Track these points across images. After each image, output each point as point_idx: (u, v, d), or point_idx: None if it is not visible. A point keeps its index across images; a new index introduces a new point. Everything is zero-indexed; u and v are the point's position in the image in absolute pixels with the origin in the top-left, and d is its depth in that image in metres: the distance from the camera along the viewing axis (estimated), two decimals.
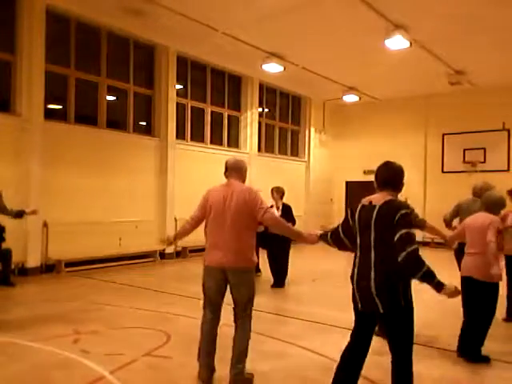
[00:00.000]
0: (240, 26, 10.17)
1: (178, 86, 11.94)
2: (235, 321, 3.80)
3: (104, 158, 10.14)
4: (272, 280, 8.19)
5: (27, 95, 8.74)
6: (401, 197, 3.28)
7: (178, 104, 11.81)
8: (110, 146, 10.29)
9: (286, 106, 16.22)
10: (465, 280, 4.64)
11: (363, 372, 3.28)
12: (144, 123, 11.64)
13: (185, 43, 11.29)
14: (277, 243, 7.87)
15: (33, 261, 8.80)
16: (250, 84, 14.00)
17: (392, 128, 16.04)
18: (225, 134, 13.60)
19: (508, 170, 14.25)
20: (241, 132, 14.09)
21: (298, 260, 9.58)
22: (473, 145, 14.74)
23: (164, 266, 10.61)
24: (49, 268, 9.05)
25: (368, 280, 3.04)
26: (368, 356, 3.24)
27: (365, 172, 15.59)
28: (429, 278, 2.87)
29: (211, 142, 13.07)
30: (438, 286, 2.87)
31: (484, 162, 14.56)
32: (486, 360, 4.46)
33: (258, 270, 8.92)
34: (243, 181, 3.94)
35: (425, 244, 13.76)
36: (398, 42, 10.09)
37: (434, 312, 6.45)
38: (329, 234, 3.52)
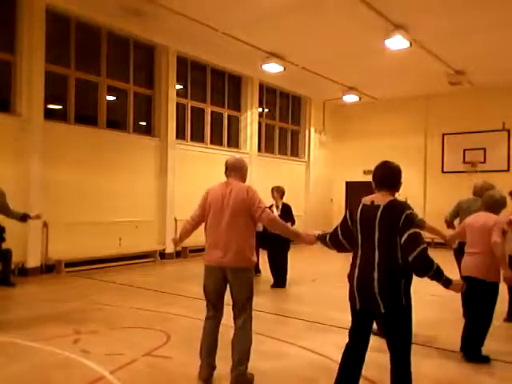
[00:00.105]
0: (240, 26, 10.18)
1: (178, 86, 11.94)
2: (235, 320, 3.80)
3: (104, 158, 10.14)
4: (272, 280, 8.20)
5: (27, 95, 8.74)
6: (398, 196, 3.28)
7: (178, 104, 11.80)
8: (110, 146, 10.29)
9: (286, 106, 16.22)
10: (465, 280, 4.64)
11: (363, 372, 3.28)
12: (144, 123, 11.64)
13: (185, 43, 11.30)
14: (276, 243, 7.88)
15: (33, 261, 8.80)
16: (250, 84, 14.00)
17: (392, 128, 16.04)
18: (225, 134, 13.60)
19: (508, 170, 14.26)
20: (241, 132, 14.09)
21: (298, 260, 9.58)
22: (473, 145, 14.74)
23: (164, 266, 10.62)
24: (49, 268, 9.04)
25: (371, 280, 3.05)
26: (367, 355, 3.25)
27: (365, 172, 15.59)
28: (438, 275, 2.97)
29: (211, 142, 13.07)
30: (447, 283, 3.00)
31: (484, 162, 14.57)
32: (486, 360, 4.47)
33: (258, 270, 8.92)
34: (243, 180, 3.93)
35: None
36: (397, 42, 10.09)
37: (434, 312, 6.46)
38: (327, 236, 3.49)
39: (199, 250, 8.19)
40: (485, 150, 14.64)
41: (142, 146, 11.07)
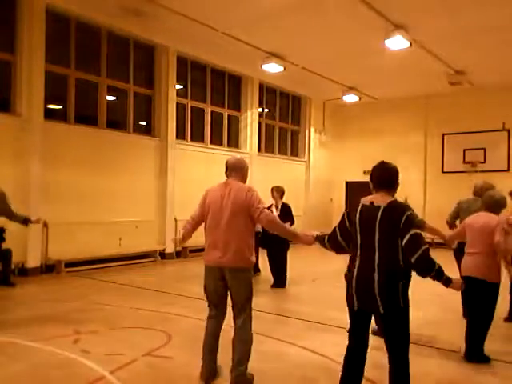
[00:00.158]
0: (240, 26, 10.18)
1: (178, 86, 11.94)
2: (234, 320, 3.80)
3: (104, 158, 10.14)
4: (272, 280, 8.20)
5: (27, 95, 8.74)
6: (399, 197, 3.28)
7: (178, 104, 11.80)
8: (110, 146, 10.29)
9: (286, 106, 16.22)
10: (465, 280, 4.64)
11: (369, 375, 3.28)
12: (144, 123, 11.64)
13: (185, 43, 11.29)
14: (276, 243, 7.87)
15: (33, 261, 8.80)
16: (250, 84, 14.00)
17: (392, 128, 16.05)
18: (225, 134, 13.60)
19: (508, 170, 14.26)
20: (241, 132, 14.09)
21: (298, 260, 9.58)
22: (473, 145, 14.74)
23: (164, 266, 10.62)
24: (49, 268, 9.04)
25: (371, 281, 3.05)
26: (367, 355, 3.25)
27: (365, 172, 15.56)
28: (439, 275, 3.05)
29: (211, 142, 13.07)
30: (447, 282, 3.09)
31: (484, 162, 14.56)
32: (486, 360, 4.47)
33: (257, 269, 8.92)
34: (243, 180, 3.92)
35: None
36: (397, 42, 10.09)
37: (434, 312, 6.46)
38: (326, 237, 3.49)
39: (199, 250, 8.18)
40: (485, 150, 14.64)
41: (142, 146, 11.07)
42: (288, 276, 8.27)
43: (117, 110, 11.08)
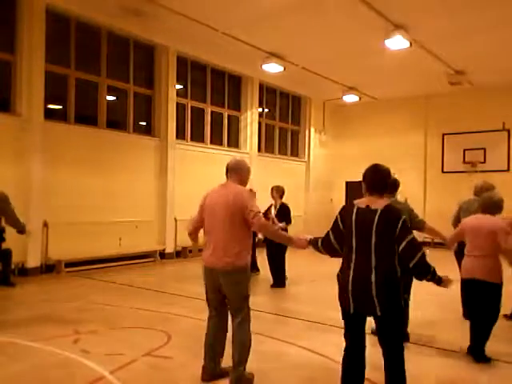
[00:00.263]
0: (240, 26, 10.18)
1: (178, 86, 11.94)
2: (232, 321, 3.80)
3: (104, 157, 10.14)
4: (271, 280, 8.19)
5: (27, 95, 8.74)
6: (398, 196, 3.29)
7: (178, 104, 11.80)
8: (110, 146, 10.29)
9: (286, 106, 16.22)
10: (469, 282, 4.62)
11: (369, 376, 3.29)
12: (144, 123, 11.64)
13: (185, 43, 11.29)
14: (275, 243, 7.85)
15: (33, 261, 8.79)
16: (250, 84, 14.00)
17: (392, 128, 16.04)
18: (225, 134, 13.60)
19: (508, 170, 14.26)
20: (241, 132, 14.09)
21: (298, 260, 9.58)
22: (473, 145, 14.73)
23: (164, 266, 10.61)
24: (49, 268, 9.04)
25: (368, 283, 3.07)
26: (368, 356, 3.26)
27: None
28: (433, 276, 3.18)
29: (211, 142, 13.07)
30: (439, 281, 3.23)
31: (484, 162, 14.56)
32: (487, 360, 4.47)
33: (256, 269, 8.93)
34: (242, 182, 3.89)
35: (424, 244, 13.76)
36: (398, 42, 10.09)
37: (434, 312, 6.46)
38: (319, 240, 3.48)
39: (199, 250, 8.20)
40: (485, 150, 14.63)
41: (142, 146, 11.07)
42: (287, 276, 8.28)
43: (117, 110, 11.08)
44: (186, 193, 11.26)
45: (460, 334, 4.80)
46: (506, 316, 5.85)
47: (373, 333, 3.76)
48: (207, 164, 12.08)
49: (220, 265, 3.68)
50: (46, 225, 9.00)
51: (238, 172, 3.89)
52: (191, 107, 12.54)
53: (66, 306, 6.45)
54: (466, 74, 12.92)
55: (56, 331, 5.19)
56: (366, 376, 3.27)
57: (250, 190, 4.99)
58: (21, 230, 7.14)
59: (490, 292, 4.52)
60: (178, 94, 11.82)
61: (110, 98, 10.79)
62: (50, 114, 9.27)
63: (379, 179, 3.26)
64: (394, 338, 3.18)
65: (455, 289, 5.93)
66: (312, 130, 16.72)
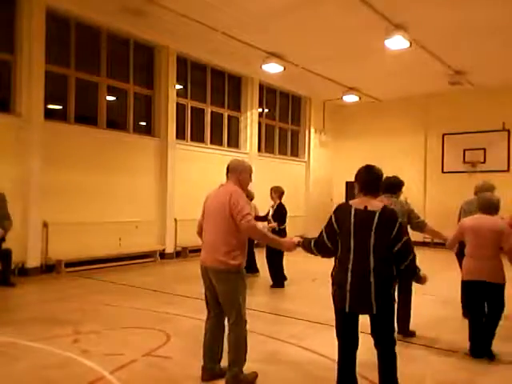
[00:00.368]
0: (240, 26, 10.17)
1: (178, 86, 11.94)
2: (228, 321, 3.80)
3: (104, 157, 10.14)
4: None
5: (27, 95, 8.74)
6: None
7: (178, 104, 11.80)
8: (110, 146, 10.29)
9: (286, 106, 16.21)
10: (475, 284, 4.61)
11: (363, 372, 3.30)
12: (144, 123, 11.63)
13: (185, 43, 11.29)
14: None
15: (33, 261, 8.79)
16: (250, 84, 14.00)
17: (392, 128, 16.03)
18: (225, 134, 13.60)
19: (508, 170, 14.25)
20: (241, 132, 14.09)
21: (298, 260, 9.57)
22: (473, 145, 14.72)
23: (164, 266, 10.61)
24: (49, 268, 9.04)
25: (367, 284, 3.13)
26: (366, 356, 3.28)
27: None
28: (417, 276, 3.42)
29: (211, 142, 13.07)
30: (419, 279, 3.45)
31: (484, 162, 14.55)
32: (492, 357, 4.53)
33: (256, 270, 8.92)
34: (239, 182, 3.86)
35: (425, 244, 13.77)
36: (398, 42, 10.07)
37: (434, 312, 6.46)
38: (312, 241, 3.48)
39: (199, 250, 8.21)
40: (485, 150, 14.62)
41: (142, 146, 11.07)
42: (287, 276, 8.27)
43: (117, 110, 11.08)
44: (186, 193, 11.27)
45: (460, 333, 4.80)
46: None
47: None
48: (207, 164, 12.08)
49: (211, 263, 3.71)
50: (45, 225, 9.00)
51: (233, 172, 3.88)
52: (191, 107, 12.54)
53: (65, 306, 6.45)
54: (465, 74, 12.91)
55: (56, 331, 5.19)
56: (364, 375, 3.30)
57: (248, 195, 4.98)
58: (4, 228, 7.38)
59: (497, 292, 4.56)
60: (178, 94, 11.82)
61: (110, 98, 10.78)
62: (49, 114, 9.26)
63: (373, 180, 3.32)
64: (389, 334, 3.29)
65: (455, 289, 5.95)
66: (312, 130, 16.72)
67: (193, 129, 12.60)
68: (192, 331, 5.05)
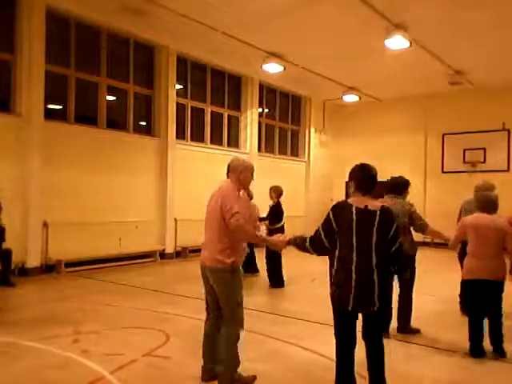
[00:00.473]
0: (240, 26, 10.17)
1: (178, 86, 11.94)
2: (222, 320, 3.77)
3: (104, 157, 10.14)
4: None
5: (27, 95, 8.74)
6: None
7: (178, 104, 11.80)
8: (110, 146, 10.29)
9: (286, 106, 16.21)
10: (478, 283, 4.59)
11: (363, 372, 3.30)
12: (144, 123, 11.63)
13: (185, 43, 11.28)
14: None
15: (33, 261, 8.79)
16: (250, 84, 14.00)
17: (392, 128, 16.03)
18: (225, 134, 13.60)
19: (508, 170, 14.25)
20: (241, 132, 14.08)
21: (297, 260, 9.57)
22: (473, 145, 14.72)
23: (164, 266, 10.61)
24: (49, 268, 9.04)
25: (372, 282, 3.17)
26: (364, 355, 3.30)
27: None
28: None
29: (211, 142, 13.07)
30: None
31: (484, 162, 14.55)
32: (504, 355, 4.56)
33: (256, 270, 8.91)
34: (237, 181, 3.83)
35: (425, 244, 13.76)
36: (397, 42, 10.07)
37: (434, 312, 6.46)
38: (307, 239, 3.46)
39: (199, 250, 8.21)
40: (485, 150, 14.62)
41: (142, 146, 11.07)
42: (286, 276, 8.26)
43: (117, 110, 11.08)
44: (186, 193, 11.27)
45: (460, 333, 4.79)
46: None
47: None
48: (207, 164, 12.08)
49: (207, 262, 3.75)
50: (45, 225, 9.00)
51: (232, 171, 3.87)
52: (191, 107, 12.53)
53: (65, 306, 6.45)
54: (465, 74, 12.91)
55: (56, 331, 5.19)
56: (363, 374, 3.31)
57: (248, 194, 4.98)
58: None
59: (499, 290, 4.60)
60: (177, 94, 11.82)
61: (110, 97, 10.78)
62: (49, 114, 9.26)
63: (368, 177, 3.36)
64: (380, 331, 3.41)
65: (455, 289, 5.95)
66: (312, 129, 16.72)
67: (193, 129, 12.60)
68: (192, 331, 5.05)
